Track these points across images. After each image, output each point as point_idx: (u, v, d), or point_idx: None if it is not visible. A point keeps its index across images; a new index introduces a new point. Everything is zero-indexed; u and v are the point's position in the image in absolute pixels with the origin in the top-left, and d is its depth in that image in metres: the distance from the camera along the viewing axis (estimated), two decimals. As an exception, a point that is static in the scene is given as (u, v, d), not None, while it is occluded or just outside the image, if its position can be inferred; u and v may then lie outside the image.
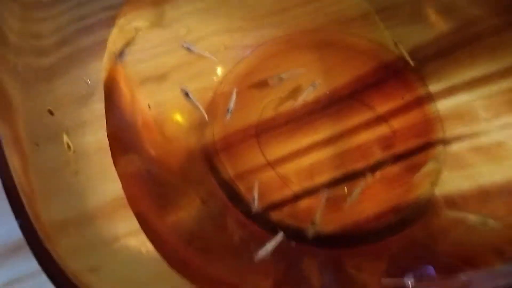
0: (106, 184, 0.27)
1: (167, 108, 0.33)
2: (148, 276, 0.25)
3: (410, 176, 0.32)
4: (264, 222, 0.31)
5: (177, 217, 0.30)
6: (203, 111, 0.33)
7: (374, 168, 0.32)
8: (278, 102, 0.34)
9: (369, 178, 0.32)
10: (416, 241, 0.30)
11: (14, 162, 0.21)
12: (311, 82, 0.34)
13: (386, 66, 0.35)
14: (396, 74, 0.35)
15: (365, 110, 0.34)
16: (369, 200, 0.31)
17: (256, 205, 0.31)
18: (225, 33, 0.35)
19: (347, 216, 0.31)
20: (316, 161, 0.33)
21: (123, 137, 0.30)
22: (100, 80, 0.30)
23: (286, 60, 0.35)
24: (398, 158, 0.33)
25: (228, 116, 0.33)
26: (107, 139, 0.28)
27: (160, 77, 0.33)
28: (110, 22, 0.31)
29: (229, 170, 0.32)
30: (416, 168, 0.32)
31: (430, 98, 0.34)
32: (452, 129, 0.33)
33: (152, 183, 0.31)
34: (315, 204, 0.31)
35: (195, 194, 0.32)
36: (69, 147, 0.27)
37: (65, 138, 0.27)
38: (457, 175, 0.32)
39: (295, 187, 0.32)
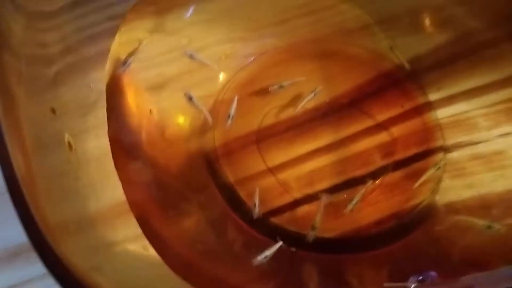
0: (108, 190, 0.27)
1: (169, 114, 0.33)
2: (149, 278, 0.25)
3: (410, 184, 0.32)
4: (264, 228, 0.31)
5: (179, 222, 0.30)
6: (207, 114, 0.33)
7: (374, 175, 0.32)
8: (279, 110, 0.34)
9: (370, 185, 0.32)
10: (418, 247, 0.30)
11: (19, 163, 0.21)
12: (311, 90, 0.34)
13: (386, 75, 0.35)
14: (395, 83, 0.35)
15: (365, 118, 0.34)
16: (369, 207, 0.31)
17: (257, 211, 0.31)
18: (227, 43, 0.35)
19: (348, 223, 0.31)
20: (316, 168, 0.33)
21: (125, 143, 0.30)
22: (104, 87, 0.30)
23: (287, 69, 0.35)
24: (398, 165, 0.33)
25: (229, 122, 0.33)
26: (109, 145, 0.29)
27: (163, 85, 0.33)
28: (113, 32, 0.31)
29: (229, 176, 0.32)
30: (416, 175, 0.32)
31: (430, 106, 0.34)
32: (452, 138, 0.33)
33: (153, 188, 0.31)
34: (315, 210, 0.31)
35: (195, 199, 0.32)
36: (70, 146, 0.27)
37: (67, 136, 0.27)
38: (458, 182, 0.32)
39: (296, 194, 0.32)
